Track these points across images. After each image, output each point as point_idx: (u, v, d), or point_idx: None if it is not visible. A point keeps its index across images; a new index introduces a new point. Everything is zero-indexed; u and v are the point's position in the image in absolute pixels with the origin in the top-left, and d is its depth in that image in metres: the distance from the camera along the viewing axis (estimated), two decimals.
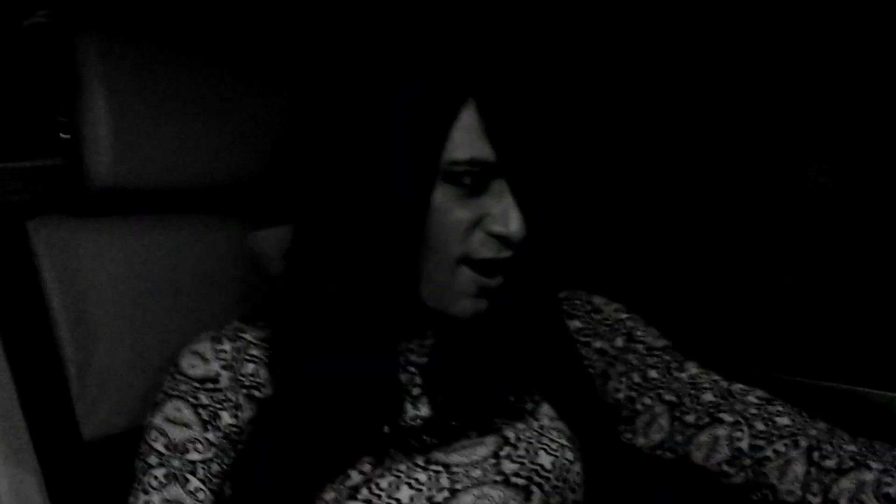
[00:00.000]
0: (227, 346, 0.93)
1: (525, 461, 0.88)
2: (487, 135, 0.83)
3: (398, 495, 0.84)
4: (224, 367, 0.92)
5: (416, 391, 0.94)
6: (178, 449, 0.88)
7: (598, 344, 0.99)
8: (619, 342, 0.99)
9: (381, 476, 0.85)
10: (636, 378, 0.96)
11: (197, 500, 0.87)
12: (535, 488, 0.87)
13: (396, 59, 0.86)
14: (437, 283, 0.88)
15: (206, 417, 0.90)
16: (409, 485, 0.85)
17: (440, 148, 0.83)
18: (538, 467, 0.88)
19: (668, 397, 0.94)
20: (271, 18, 1.18)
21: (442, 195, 0.85)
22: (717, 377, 0.95)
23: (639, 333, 0.99)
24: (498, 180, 0.86)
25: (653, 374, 0.96)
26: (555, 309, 1.01)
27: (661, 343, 0.99)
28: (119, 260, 1.05)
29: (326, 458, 0.86)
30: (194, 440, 0.89)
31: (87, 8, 1.05)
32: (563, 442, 0.90)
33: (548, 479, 0.88)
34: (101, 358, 1.03)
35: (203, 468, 0.88)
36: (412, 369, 0.94)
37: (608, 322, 1.00)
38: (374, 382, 0.90)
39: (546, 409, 0.93)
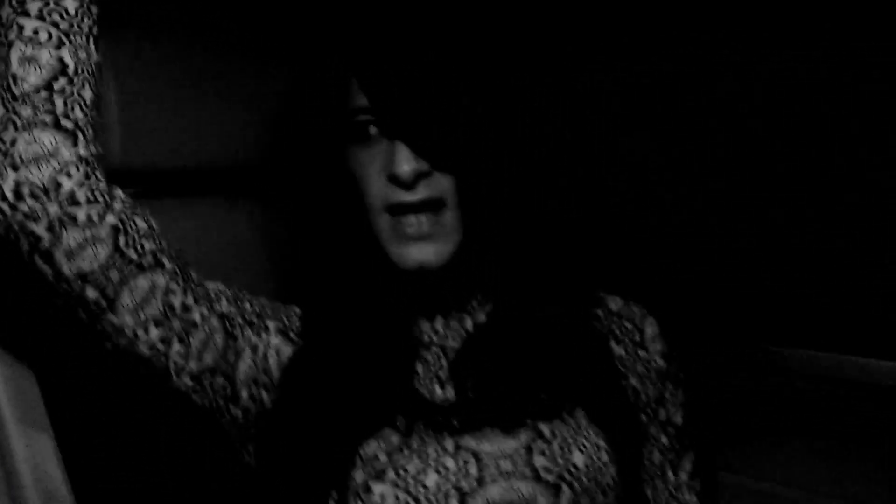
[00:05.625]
0: (282, 304, 0.99)
1: (558, 458, 0.87)
2: (360, 86, 0.90)
3: (425, 480, 0.85)
4: (277, 306, 0.97)
5: (443, 374, 0.94)
6: None
7: (633, 382, 0.99)
8: (651, 393, 0.99)
9: (409, 460, 0.86)
10: (643, 451, 0.98)
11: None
12: (565, 487, 0.86)
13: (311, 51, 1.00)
14: (377, 236, 0.91)
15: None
16: (437, 471, 0.85)
17: (343, 106, 0.92)
18: (571, 466, 0.87)
19: (648, 491, 0.98)
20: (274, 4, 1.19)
21: (354, 153, 0.91)
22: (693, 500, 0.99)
23: (668, 396, 1.00)
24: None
25: (655, 456, 0.99)
26: (588, 314, 1.01)
27: (679, 419, 1.00)
28: None
29: (344, 428, 0.88)
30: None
31: None
32: (600, 443, 0.89)
33: (579, 478, 0.87)
34: None
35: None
36: (436, 349, 0.96)
37: (650, 367, 1.00)
38: (383, 351, 0.93)
39: (582, 413, 0.92)
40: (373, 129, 0.90)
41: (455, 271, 0.92)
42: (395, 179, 0.88)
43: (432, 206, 0.89)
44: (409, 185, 0.88)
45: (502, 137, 0.93)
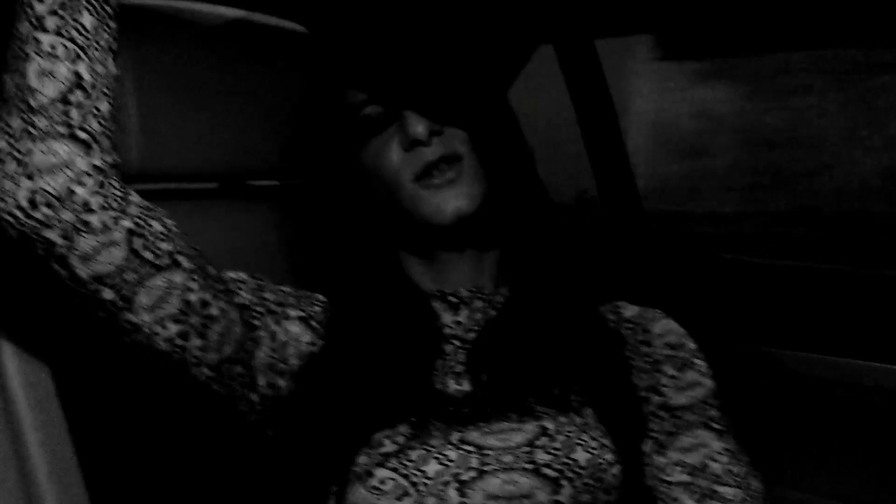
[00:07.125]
0: (306, 291, 1.02)
1: (560, 454, 0.88)
2: (353, 83, 0.97)
3: (425, 468, 0.87)
4: (300, 294, 1.00)
5: (459, 367, 0.97)
6: None
7: (634, 380, 0.98)
8: (644, 384, 0.98)
9: (413, 448, 0.88)
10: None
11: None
12: (565, 482, 0.87)
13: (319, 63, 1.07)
14: (407, 209, 0.95)
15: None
16: (438, 460, 0.87)
17: (346, 107, 0.98)
18: (572, 462, 0.88)
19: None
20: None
21: (368, 149, 0.97)
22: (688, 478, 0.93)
23: (665, 381, 0.97)
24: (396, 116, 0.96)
25: (646, 446, 0.95)
26: (600, 314, 1.03)
27: (682, 399, 0.97)
28: None
29: (359, 418, 0.90)
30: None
31: None
32: (605, 442, 0.90)
33: (580, 475, 0.88)
34: None
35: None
36: (456, 342, 0.98)
37: (649, 359, 0.99)
38: (405, 346, 0.96)
39: (590, 412, 0.93)
40: (376, 111, 0.95)
41: (485, 220, 0.96)
42: (412, 144, 0.93)
43: (451, 159, 0.94)
44: (426, 142, 0.93)
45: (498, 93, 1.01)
